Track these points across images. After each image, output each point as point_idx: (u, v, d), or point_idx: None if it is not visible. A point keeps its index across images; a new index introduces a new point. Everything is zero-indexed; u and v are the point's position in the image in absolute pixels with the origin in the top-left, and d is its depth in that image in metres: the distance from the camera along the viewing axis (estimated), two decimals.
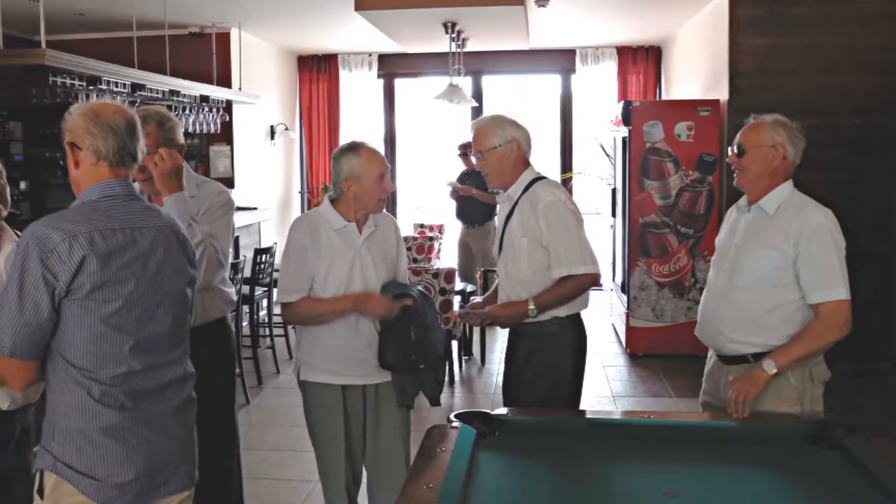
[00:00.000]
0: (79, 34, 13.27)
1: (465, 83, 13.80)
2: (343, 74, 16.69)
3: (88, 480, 3.33)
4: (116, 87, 10.05)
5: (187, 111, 12.03)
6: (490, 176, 5.27)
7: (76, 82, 9.41)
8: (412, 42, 13.48)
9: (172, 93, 11.43)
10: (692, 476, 3.71)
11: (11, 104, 11.62)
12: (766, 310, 4.53)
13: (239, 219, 9.97)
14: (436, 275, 9.72)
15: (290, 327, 10.45)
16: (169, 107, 10.72)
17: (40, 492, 3.39)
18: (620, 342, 11.83)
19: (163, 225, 3.58)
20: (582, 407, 5.32)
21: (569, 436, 4.23)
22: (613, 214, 12.42)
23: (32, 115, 11.73)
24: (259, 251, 10.48)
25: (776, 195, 4.59)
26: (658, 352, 11.04)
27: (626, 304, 11.37)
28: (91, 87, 9.66)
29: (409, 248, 11.42)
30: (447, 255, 13.61)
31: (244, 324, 10.32)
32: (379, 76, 16.77)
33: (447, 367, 5.97)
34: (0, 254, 4.03)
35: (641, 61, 15.89)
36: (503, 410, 4.53)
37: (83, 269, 3.23)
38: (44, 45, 8.73)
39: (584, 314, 5.26)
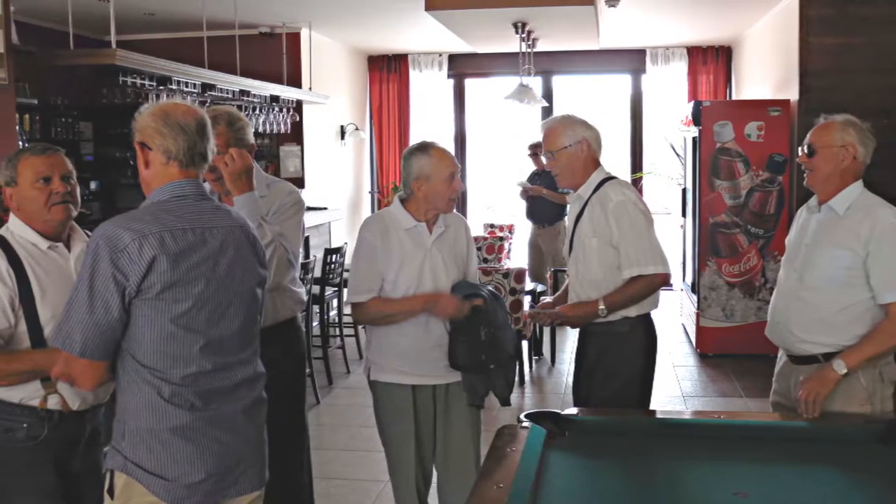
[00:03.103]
0: (149, 34, 13.40)
1: (536, 83, 13.76)
2: (413, 74, 16.72)
3: (158, 480, 3.34)
4: (186, 87, 10.16)
5: (257, 111, 12.12)
6: (560, 176, 5.25)
7: (146, 82, 9.50)
8: (482, 42, 13.49)
9: (243, 93, 11.53)
10: (762, 476, 3.70)
11: (82, 104, 11.75)
12: (836, 310, 4.49)
13: (309, 219, 9.99)
14: (506, 275, 9.71)
15: (360, 327, 10.48)
16: (239, 107, 10.79)
17: (110, 492, 3.41)
18: (690, 342, 11.76)
19: (233, 225, 3.58)
20: (652, 407, 5.33)
21: (639, 436, 4.22)
22: (683, 214, 12.36)
23: (103, 114, 11.83)
24: (329, 251, 10.51)
25: (846, 195, 4.55)
26: (728, 352, 10.96)
27: (696, 304, 11.31)
28: (161, 87, 9.75)
29: (479, 248, 11.42)
30: (517, 255, 13.61)
31: (314, 324, 10.37)
32: (449, 76, 16.77)
33: (517, 367, 5.95)
34: (71, 253, 4.07)
35: (711, 61, 15.78)
36: (573, 410, 4.53)
37: (153, 269, 3.24)
38: (114, 45, 8.83)
39: (654, 314, 5.23)
